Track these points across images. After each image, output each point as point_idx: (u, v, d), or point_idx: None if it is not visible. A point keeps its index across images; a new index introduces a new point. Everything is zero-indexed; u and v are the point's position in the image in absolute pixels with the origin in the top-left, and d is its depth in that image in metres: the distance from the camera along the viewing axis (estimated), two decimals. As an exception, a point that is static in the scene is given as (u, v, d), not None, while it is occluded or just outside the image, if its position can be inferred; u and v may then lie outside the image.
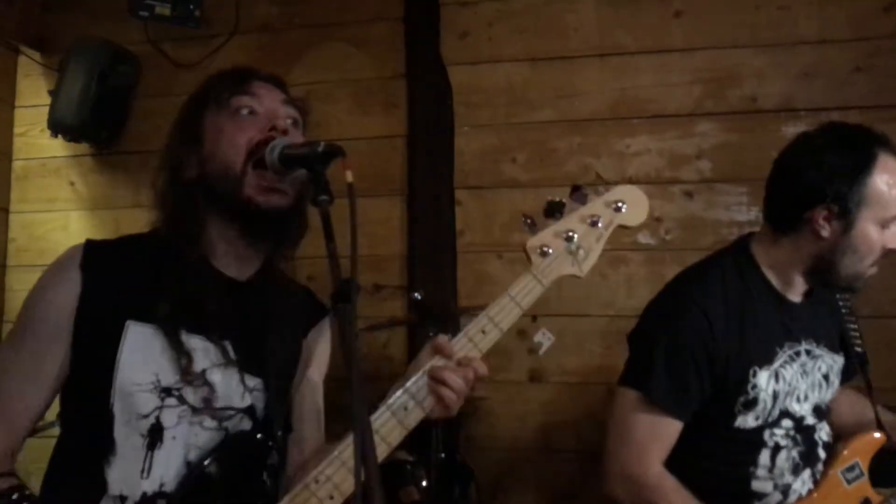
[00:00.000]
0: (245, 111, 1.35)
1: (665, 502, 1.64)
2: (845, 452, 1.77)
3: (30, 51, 3.50)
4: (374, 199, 3.07)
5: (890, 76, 2.76)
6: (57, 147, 3.42)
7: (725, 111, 2.90)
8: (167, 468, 1.26)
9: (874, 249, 1.66)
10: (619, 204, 1.33)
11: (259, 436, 1.32)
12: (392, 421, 1.23)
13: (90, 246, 1.35)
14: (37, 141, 3.48)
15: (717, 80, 2.91)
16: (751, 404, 1.67)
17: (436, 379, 1.25)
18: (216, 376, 1.31)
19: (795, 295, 1.76)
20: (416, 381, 1.25)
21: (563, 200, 1.32)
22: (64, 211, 3.44)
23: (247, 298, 1.37)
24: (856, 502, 1.75)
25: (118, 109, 3.32)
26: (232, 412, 1.32)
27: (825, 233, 1.65)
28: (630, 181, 2.95)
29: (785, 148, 1.77)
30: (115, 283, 1.31)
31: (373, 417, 1.22)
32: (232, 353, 1.33)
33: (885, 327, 2.68)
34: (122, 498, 1.24)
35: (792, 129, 2.83)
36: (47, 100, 3.25)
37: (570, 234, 1.31)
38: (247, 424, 1.33)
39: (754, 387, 1.66)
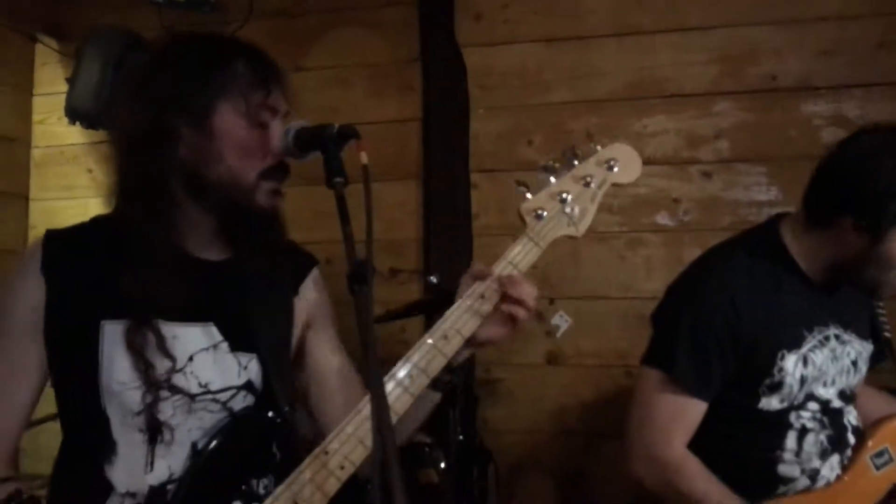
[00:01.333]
0: (262, 123, 1.28)
1: (688, 483, 1.62)
2: (875, 438, 1.73)
3: (46, 39, 3.52)
4: (390, 184, 3.07)
5: (913, 52, 2.72)
6: (75, 134, 3.44)
7: (744, 90, 2.86)
8: (174, 459, 1.25)
9: None
10: (612, 163, 1.33)
11: (267, 413, 1.30)
12: (432, 352, 1.22)
13: (49, 241, 1.30)
14: (55, 128, 3.50)
15: (734, 58, 2.87)
16: (776, 387, 1.65)
17: (505, 288, 1.24)
18: (207, 359, 1.29)
19: (824, 281, 1.71)
20: (454, 312, 1.24)
21: (556, 164, 1.32)
22: (83, 198, 3.46)
23: (223, 277, 1.33)
24: (885, 489, 1.71)
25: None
26: (232, 391, 1.30)
27: (850, 240, 1.60)
28: (648, 162, 2.92)
29: (842, 140, 1.67)
30: (81, 283, 1.26)
31: (410, 352, 1.22)
32: (218, 334, 1.30)
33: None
34: (131, 494, 1.23)
35: (811, 108, 2.80)
36: (65, 87, 3.26)
37: (565, 195, 1.31)
38: (249, 400, 1.31)
39: (781, 370, 1.64)
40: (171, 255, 1.27)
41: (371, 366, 0.89)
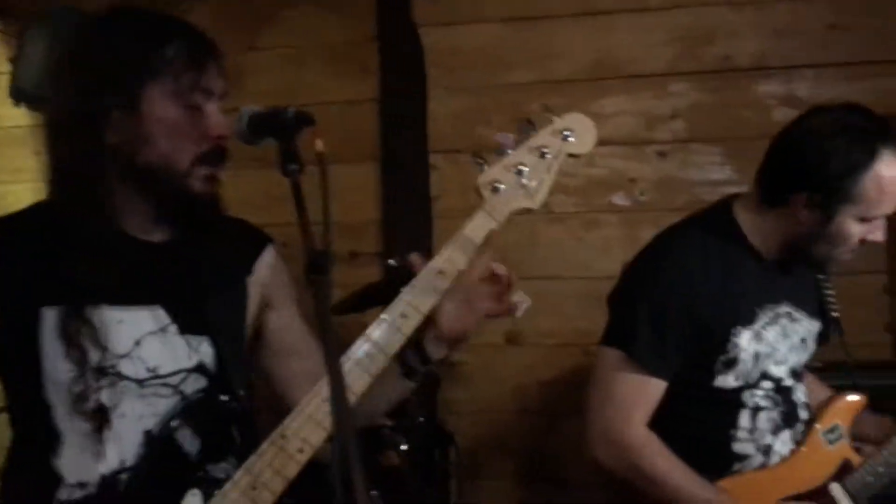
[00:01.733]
0: (195, 106, 1.24)
1: (649, 463, 1.63)
2: (827, 415, 1.78)
3: (-11, 18, 3.40)
4: (347, 166, 3.03)
5: (863, 34, 2.76)
6: (21, 116, 3.32)
7: (699, 70, 2.88)
8: (125, 446, 1.22)
9: (850, 241, 1.65)
10: (567, 133, 1.31)
11: (221, 396, 1.28)
12: (390, 330, 1.22)
13: None
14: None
15: (691, 38, 2.89)
16: (731, 363, 1.68)
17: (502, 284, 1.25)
18: (155, 342, 1.26)
19: (776, 260, 1.75)
20: (410, 288, 1.24)
21: (511, 134, 1.31)
22: (30, 182, 3.36)
23: (169, 258, 1.29)
24: (837, 463, 1.76)
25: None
26: (183, 374, 1.27)
27: (802, 218, 1.64)
28: (605, 143, 2.94)
29: (795, 119, 1.70)
30: (20, 269, 1.22)
31: (369, 330, 1.22)
32: (166, 316, 1.27)
33: (857, 282, 2.72)
34: (82, 485, 1.21)
35: (764, 88, 2.84)
36: (8, 68, 3.15)
37: (521, 167, 1.29)
38: (202, 383, 1.28)
39: (735, 346, 1.67)
40: (110, 239, 1.24)
41: (329, 358, 0.88)
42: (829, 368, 1.96)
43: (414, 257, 1.30)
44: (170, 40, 1.23)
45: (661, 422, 1.68)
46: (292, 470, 1.17)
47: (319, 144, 1.03)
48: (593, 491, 2.78)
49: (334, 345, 0.91)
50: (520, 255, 2.97)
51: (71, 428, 1.22)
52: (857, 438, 1.83)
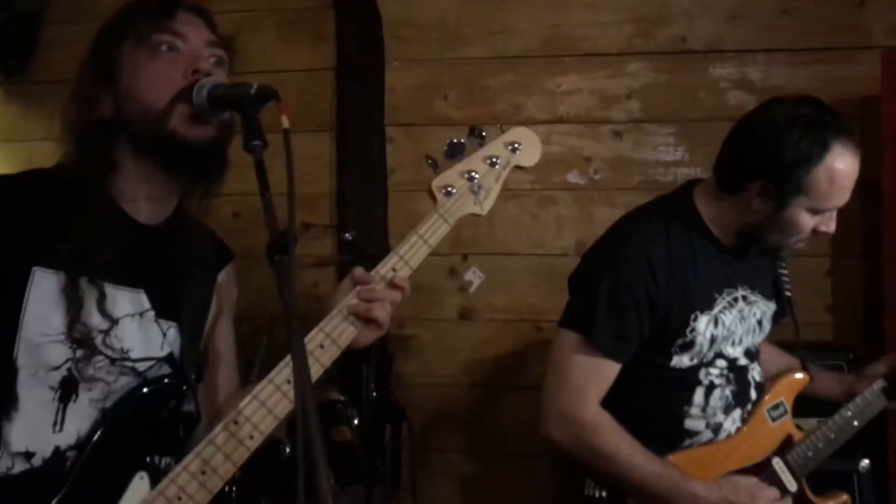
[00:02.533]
0: (165, 47, 1.24)
1: (602, 441, 1.66)
2: (772, 391, 1.83)
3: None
4: (302, 136, 2.98)
5: (814, 19, 2.81)
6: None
7: (655, 51, 2.91)
8: (83, 422, 1.21)
9: (802, 231, 1.68)
10: (516, 145, 1.37)
11: (174, 380, 1.28)
12: (310, 360, 1.23)
13: None
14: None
15: (647, 18, 2.91)
16: (688, 346, 1.71)
17: (368, 299, 1.27)
18: (132, 325, 1.25)
19: (733, 245, 1.78)
20: (331, 320, 1.26)
21: (464, 141, 1.36)
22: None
23: (158, 244, 1.30)
24: (780, 438, 1.81)
25: (26, 36, 3.11)
26: (151, 362, 1.27)
27: (755, 206, 1.66)
28: (561, 120, 2.95)
29: (754, 109, 1.73)
30: (16, 225, 1.21)
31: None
32: (147, 301, 1.27)
33: (801, 264, 2.79)
34: (28, 454, 1.18)
35: (719, 71, 2.88)
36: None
37: (472, 174, 1.35)
38: (165, 370, 1.29)
39: (693, 330, 1.70)
40: (109, 216, 1.24)
41: (294, 337, 0.87)
42: (781, 347, 2.02)
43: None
44: (138, 6, 1.28)
45: (615, 398, 1.71)
46: (241, 455, 1.19)
47: (285, 121, 1.01)
48: (542, 463, 2.83)
49: (298, 324, 0.90)
50: (474, 231, 2.98)
51: (29, 395, 1.19)
52: (823, 396, 1.92)
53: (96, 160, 1.24)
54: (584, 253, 1.85)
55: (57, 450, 1.19)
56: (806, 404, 1.90)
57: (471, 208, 1.36)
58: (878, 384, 1.88)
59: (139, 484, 1.20)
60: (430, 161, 1.36)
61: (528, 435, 2.79)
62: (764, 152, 1.63)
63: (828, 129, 1.61)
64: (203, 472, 1.16)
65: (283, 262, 0.94)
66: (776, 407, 1.82)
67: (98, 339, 1.22)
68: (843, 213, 2.76)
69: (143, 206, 1.29)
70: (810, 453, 1.80)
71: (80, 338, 1.20)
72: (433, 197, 1.34)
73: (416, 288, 3.21)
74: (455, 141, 1.36)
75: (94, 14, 3.47)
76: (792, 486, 1.78)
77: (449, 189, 1.33)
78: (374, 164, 3.01)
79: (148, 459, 1.24)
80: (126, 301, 1.25)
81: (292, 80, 2.99)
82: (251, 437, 1.18)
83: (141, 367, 1.26)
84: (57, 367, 1.19)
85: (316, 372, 1.24)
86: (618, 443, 1.67)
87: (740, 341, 1.78)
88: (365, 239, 2.76)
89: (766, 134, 1.64)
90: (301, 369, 0.85)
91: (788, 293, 1.89)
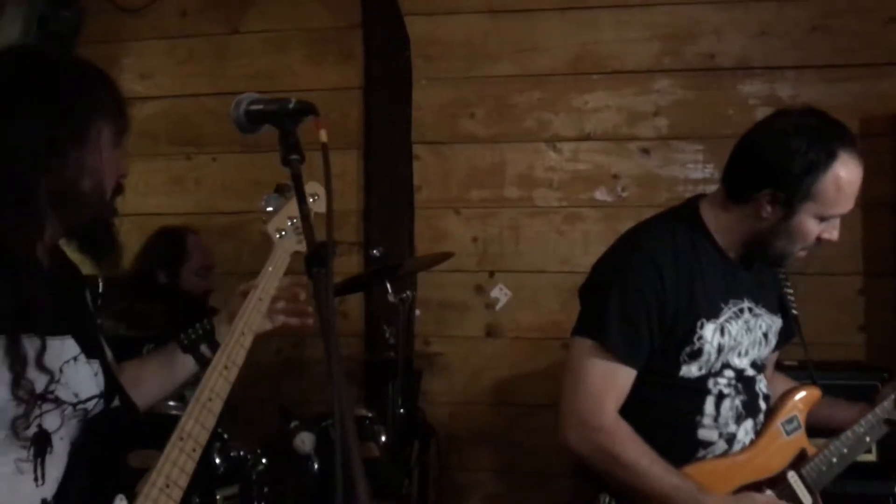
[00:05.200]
0: (118, 147, 1.34)
1: (620, 448, 1.67)
2: (786, 406, 1.84)
3: (-37, -7, 3.32)
4: (330, 153, 3.00)
5: (845, 35, 2.79)
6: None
7: (683, 68, 2.90)
8: (61, 468, 1.25)
9: (808, 239, 1.72)
10: (315, 196, 1.62)
11: (123, 411, 1.38)
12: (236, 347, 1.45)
13: None
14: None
15: (675, 36, 2.90)
16: (696, 355, 1.73)
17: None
18: (72, 369, 1.28)
19: (738, 257, 1.81)
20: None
21: (276, 194, 1.61)
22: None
23: (57, 285, 1.33)
24: (794, 452, 1.82)
25: (60, 56, 3.18)
26: (94, 400, 1.32)
27: (765, 214, 1.71)
28: (588, 138, 2.95)
29: (760, 122, 1.78)
30: None
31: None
32: (76, 346, 1.30)
33: (833, 283, 2.76)
34: None
35: (748, 88, 2.86)
36: (-16, 45, 3.09)
37: (293, 218, 1.61)
38: (101, 405, 1.34)
39: (700, 338, 1.72)
40: (32, 267, 1.25)
41: (330, 347, 0.88)
42: (802, 367, 2.00)
43: (241, 290, 1.54)
44: (111, 86, 1.34)
45: (631, 409, 1.72)
46: (190, 467, 1.32)
47: (324, 135, 1.03)
48: (569, 483, 2.80)
49: (335, 335, 0.90)
50: (501, 249, 2.98)
51: (5, 459, 1.20)
52: (829, 427, 1.90)
53: (34, 225, 1.25)
54: (594, 264, 1.88)
55: (45, 502, 1.22)
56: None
57: (296, 246, 1.60)
58: (892, 399, 1.87)
59: None
60: (261, 211, 1.61)
61: (555, 454, 2.77)
62: (773, 161, 1.67)
63: (834, 139, 1.66)
64: (167, 486, 1.29)
65: (322, 275, 0.96)
66: (790, 421, 1.83)
67: (57, 390, 1.24)
68: (875, 231, 2.74)
69: (43, 255, 1.31)
70: (824, 468, 1.81)
71: (40, 393, 1.21)
72: (270, 238, 1.58)
73: (443, 305, 3.25)
74: (272, 195, 1.63)
75: (126, 34, 3.55)
76: (807, 499, 1.78)
77: (280, 231, 1.59)
78: (401, 182, 3.03)
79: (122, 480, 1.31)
80: (62, 348, 1.28)
81: (320, 99, 2.94)
82: (194, 450, 1.33)
83: (89, 405, 1.31)
84: (26, 427, 1.20)
85: (242, 353, 1.44)
86: (636, 452, 1.67)
87: (746, 353, 1.80)
88: (392, 256, 2.78)
89: (775, 144, 1.68)
90: (339, 383, 0.85)
91: (795, 311, 1.91)
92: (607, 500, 1.76)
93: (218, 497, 2.13)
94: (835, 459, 1.82)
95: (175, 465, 1.29)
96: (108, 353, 1.44)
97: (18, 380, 1.18)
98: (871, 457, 2.29)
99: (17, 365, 1.18)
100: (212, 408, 1.35)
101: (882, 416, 1.86)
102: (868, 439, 1.86)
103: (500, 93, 2.99)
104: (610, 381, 1.70)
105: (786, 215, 1.68)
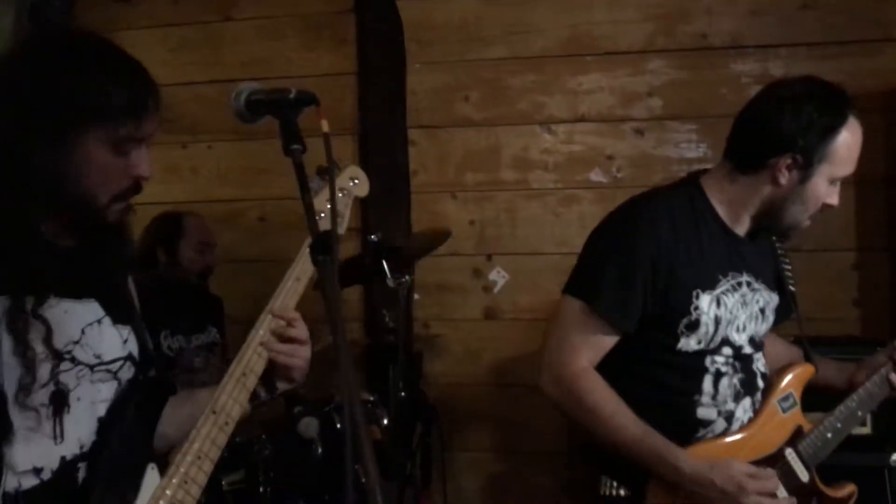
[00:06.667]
0: (127, 153, 1.26)
1: (590, 394, 1.70)
2: (782, 383, 1.86)
3: (-48, -17, 3.30)
4: (328, 141, 3.01)
5: (835, 13, 2.80)
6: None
7: (676, 48, 2.91)
8: (81, 429, 1.27)
9: (818, 203, 1.75)
10: (354, 179, 1.62)
11: (159, 378, 1.39)
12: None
13: None
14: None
15: (668, 16, 2.91)
16: (693, 326, 1.73)
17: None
18: (94, 333, 1.31)
19: (740, 231, 1.83)
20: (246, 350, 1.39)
21: (317, 176, 1.57)
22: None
23: (86, 260, 1.34)
24: (791, 429, 1.83)
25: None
26: (120, 361, 1.34)
27: (783, 180, 1.72)
28: (582, 119, 2.96)
29: (763, 91, 1.80)
30: None
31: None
32: (100, 309, 1.33)
33: (827, 259, 2.79)
34: (37, 470, 1.22)
35: (740, 67, 2.87)
36: (-25, 38, 3.08)
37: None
38: (132, 370, 1.36)
39: (696, 308, 1.73)
40: (36, 242, 1.26)
41: (337, 334, 0.89)
42: (798, 342, 2.03)
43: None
44: (117, 87, 1.24)
45: (630, 390, 1.74)
46: (222, 440, 1.34)
47: (325, 125, 1.03)
48: (568, 461, 2.84)
49: (341, 323, 0.92)
50: (498, 231, 2.99)
51: (23, 415, 1.22)
52: (823, 384, 1.94)
53: (19, 203, 1.23)
54: (593, 230, 1.89)
55: (63, 460, 1.24)
56: (808, 398, 1.92)
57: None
58: (885, 370, 1.89)
59: (151, 474, 1.31)
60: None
61: (554, 433, 2.81)
62: (791, 126, 1.70)
63: (841, 102, 1.72)
64: (199, 458, 1.31)
65: (327, 263, 0.97)
66: (786, 398, 1.85)
67: (74, 350, 1.26)
68: (868, 207, 2.76)
69: (57, 233, 1.31)
70: (820, 443, 1.83)
71: (57, 350, 1.23)
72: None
73: (441, 288, 3.27)
74: (321, 166, 1.55)
75: (119, 22, 3.52)
76: (804, 476, 1.80)
77: (321, 214, 1.55)
78: (397, 167, 3.04)
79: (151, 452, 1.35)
80: (85, 311, 1.30)
81: (314, 85, 2.95)
82: (227, 424, 1.34)
83: (113, 367, 1.33)
84: (45, 384, 1.22)
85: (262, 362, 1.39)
86: (602, 398, 1.70)
87: (744, 328, 1.81)
88: (390, 240, 2.79)
89: (789, 110, 1.71)
90: (347, 369, 0.87)
91: (793, 288, 1.93)
92: (609, 484, 1.79)
93: (223, 482, 2.15)
94: (829, 434, 1.84)
95: (207, 438, 1.31)
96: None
97: (18, 343, 1.20)
98: (867, 429, 2.32)
99: (16, 329, 1.20)
100: (245, 383, 1.36)
101: (872, 389, 1.88)
102: (860, 413, 1.89)
103: (494, 76, 3.00)
104: (591, 339, 1.74)
105: (803, 179, 1.71)
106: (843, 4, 2.79)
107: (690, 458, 1.68)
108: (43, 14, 3.05)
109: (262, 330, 1.39)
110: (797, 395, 1.87)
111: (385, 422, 2.34)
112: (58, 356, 1.24)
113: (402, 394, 2.50)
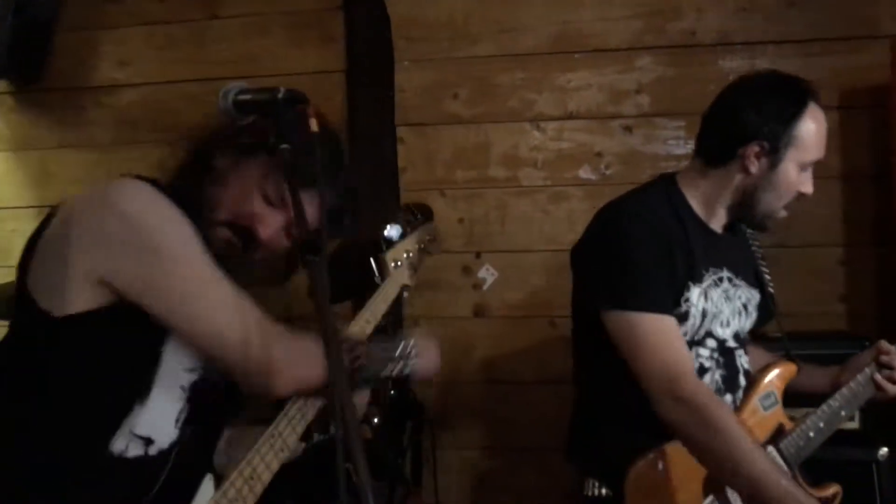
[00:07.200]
0: (270, 203, 1.34)
1: (709, 412, 1.62)
2: (763, 381, 1.87)
3: (-64, -20, 3.26)
4: (314, 137, 3.00)
5: (822, 9, 2.81)
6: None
7: (664, 45, 2.91)
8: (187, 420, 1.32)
9: (791, 190, 1.79)
10: (433, 235, 1.81)
11: (226, 393, 1.39)
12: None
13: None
14: (-49, 77, 3.28)
15: (656, 13, 2.91)
16: (682, 318, 1.75)
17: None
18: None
19: (716, 226, 1.86)
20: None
21: (412, 218, 1.78)
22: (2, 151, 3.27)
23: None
24: (772, 428, 1.84)
25: (39, 44, 3.13)
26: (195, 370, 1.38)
27: (753, 168, 1.76)
28: (571, 116, 2.96)
29: (727, 87, 1.87)
30: None
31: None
32: None
33: (814, 254, 2.80)
34: (148, 441, 1.26)
35: (728, 64, 2.88)
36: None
37: (409, 253, 1.76)
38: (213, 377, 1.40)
39: (687, 300, 1.75)
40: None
41: (327, 336, 0.89)
42: (791, 338, 2.03)
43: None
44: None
45: (610, 386, 1.76)
46: (276, 465, 1.37)
47: (314, 124, 1.03)
48: (559, 458, 2.84)
49: (331, 320, 0.92)
50: (488, 228, 2.99)
51: (161, 387, 1.27)
52: (809, 389, 1.94)
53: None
54: (581, 240, 1.88)
55: (171, 443, 1.29)
56: (792, 397, 1.92)
57: (406, 280, 1.74)
58: (869, 370, 1.88)
59: (207, 485, 1.34)
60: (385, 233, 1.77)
61: (545, 430, 2.81)
62: (754, 115, 1.75)
63: (801, 90, 1.78)
64: (251, 478, 1.32)
65: (316, 263, 0.97)
66: (767, 396, 1.85)
67: None
68: (855, 202, 2.78)
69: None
70: (801, 442, 1.83)
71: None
72: (387, 267, 1.71)
73: (431, 286, 3.26)
74: (394, 225, 1.77)
75: (106, 20, 3.51)
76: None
77: (396, 262, 1.72)
78: (386, 164, 3.03)
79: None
80: None
81: (302, 83, 2.97)
82: (282, 450, 1.37)
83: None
84: (192, 370, 1.28)
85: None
86: (729, 416, 1.64)
87: (728, 322, 1.83)
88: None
89: (753, 101, 1.77)
90: (336, 366, 0.86)
91: (771, 289, 1.96)
92: (593, 485, 1.79)
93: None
94: (812, 434, 1.84)
95: (262, 461, 1.33)
96: None
97: None
98: (855, 424, 2.33)
99: None
100: (305, 413, 1.40)
101: (857, 388, 1.87)
102: (844, 413, 1.88)
103: (482, 73, 2.99)
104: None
105: (772, 165, 1.75)
106: (830, 1, 2.80)
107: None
108: (29, 11, 3.03)
109: None
110: (779, 394, 1.87)
111: (376, 421, 2.33)
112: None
113: (392, 392, 2.49)
